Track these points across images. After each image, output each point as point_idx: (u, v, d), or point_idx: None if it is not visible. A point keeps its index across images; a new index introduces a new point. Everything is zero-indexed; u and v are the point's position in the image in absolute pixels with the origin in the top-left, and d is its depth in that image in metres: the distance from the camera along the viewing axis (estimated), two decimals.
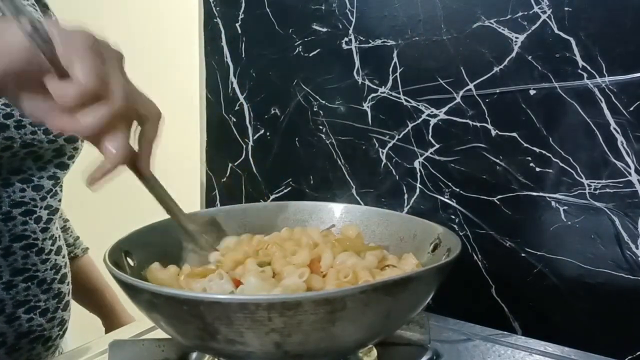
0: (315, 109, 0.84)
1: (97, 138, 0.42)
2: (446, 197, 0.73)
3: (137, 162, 0.47)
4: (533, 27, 0.64)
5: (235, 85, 0.92)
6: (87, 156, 0.70)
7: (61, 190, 0.68)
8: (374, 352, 0.54)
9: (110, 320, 0.88)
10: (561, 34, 0.62)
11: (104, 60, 0.40)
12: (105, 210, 1.50)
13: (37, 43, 0.39)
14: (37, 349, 0.65)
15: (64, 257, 0.69)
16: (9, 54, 0.39)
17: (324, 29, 0.81)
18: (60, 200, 0.68)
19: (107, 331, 0.88)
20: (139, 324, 0.66)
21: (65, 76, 0.39)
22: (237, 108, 0.92)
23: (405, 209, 0.76)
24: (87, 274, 0.86)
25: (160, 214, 0.60)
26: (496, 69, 0.67)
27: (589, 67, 0.61)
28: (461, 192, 0.71)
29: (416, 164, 0.75)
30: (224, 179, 0.97)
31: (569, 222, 0.64)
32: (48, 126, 0.42)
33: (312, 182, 0.86)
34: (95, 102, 0.40)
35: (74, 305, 0.84)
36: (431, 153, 0.73)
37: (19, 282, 0.62)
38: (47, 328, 0.65)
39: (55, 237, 0.68)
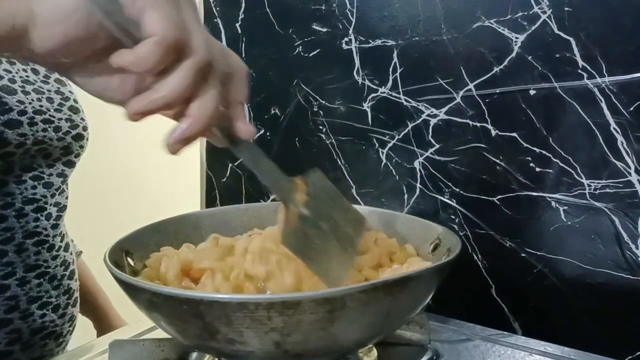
0: (315, 109, 0.84)
1: (181, 112, 0.35)
2: (446, 197, 0.73)
3: (232, 127, 0.40)
4: (533, 27, 0.64)
5: None
6: (89, 157, 0.71)
7: (67, 188, 0.69)
8: (374, 352, 0.54)
9: (103, 323, 0.88)
10: (561, 34, 0.62)
11: (179, 6, 0.34)
12: (97, 213, 1.49)
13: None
14: (50, 345, 0.65)
15: (71, 254, 0.70)
16: (62, 20, 0.32)
17: (324, 29, 0.81)
18: (67, 198, 0.69)
19: (99, 334, 0.87)
20: (139, 324, 0.66)
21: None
22: None
23: (405, 209, 0.76)
24: (81, 276, 0.86)
25: (159, 214, 0.60)
26: (496, 69, 0.67)
27: (589, 67, 0.61)
28: (461, 192, 0.71)
29: (416, 164, 0.75)
30: (224, 179, 0.97)
31: (569, 222, 0.64)
32: (128, 110, 0.35)
33: None
34: (176, 62, 0.33)
35: None
36: (431, 153, 0.73)
37: (32, 278, 0.63)
38: (59, 324, 0.66)
39: (64, 234, 0.69)
